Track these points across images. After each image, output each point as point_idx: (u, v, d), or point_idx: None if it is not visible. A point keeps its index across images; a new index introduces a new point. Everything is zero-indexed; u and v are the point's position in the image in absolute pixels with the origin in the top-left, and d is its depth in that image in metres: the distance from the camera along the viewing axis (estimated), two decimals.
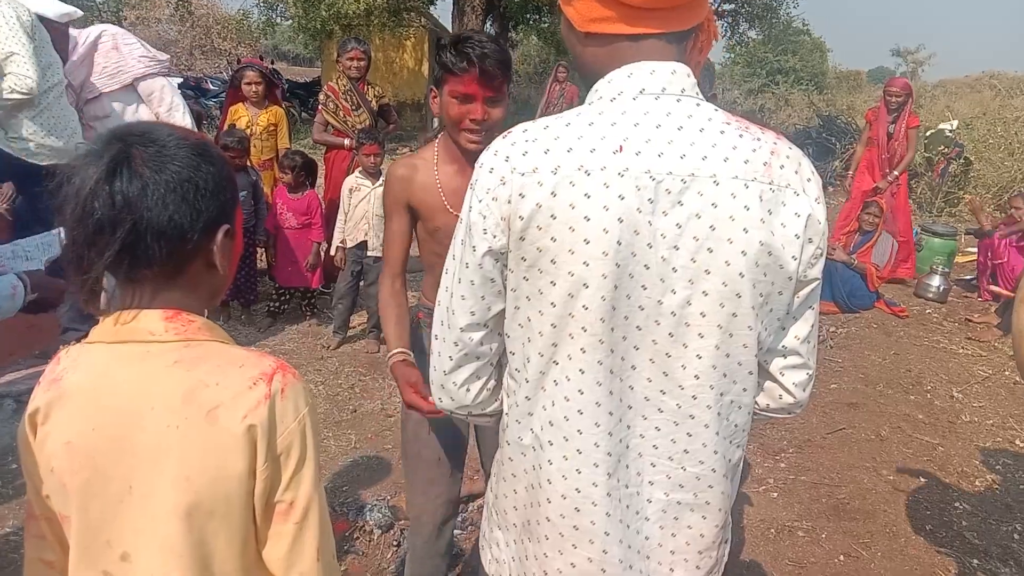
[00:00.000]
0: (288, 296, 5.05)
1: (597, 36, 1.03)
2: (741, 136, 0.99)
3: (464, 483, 2.16)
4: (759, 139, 1.00)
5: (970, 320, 5.72)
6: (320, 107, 5.19)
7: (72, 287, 0.94)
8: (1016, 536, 3.05)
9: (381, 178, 4.47)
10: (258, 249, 5.13)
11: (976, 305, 6.14)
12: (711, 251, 0.97)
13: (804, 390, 1.15)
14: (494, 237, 1.01)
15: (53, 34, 3.55)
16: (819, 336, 1.15)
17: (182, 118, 3.97)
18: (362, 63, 5.05)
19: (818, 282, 1.07)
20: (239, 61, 10.24)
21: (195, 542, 0.92)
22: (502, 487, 1.20)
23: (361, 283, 4.69)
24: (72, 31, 3.72)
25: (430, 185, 1.82)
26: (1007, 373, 4.77)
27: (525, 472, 1.12)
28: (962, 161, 10.00)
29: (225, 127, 5.17)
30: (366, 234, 4.53)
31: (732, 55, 27.37)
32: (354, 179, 4.57)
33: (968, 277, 6.74)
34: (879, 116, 6.57)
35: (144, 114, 3.90)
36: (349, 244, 4.58)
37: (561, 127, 1.00)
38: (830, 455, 3.64)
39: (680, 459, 1.08)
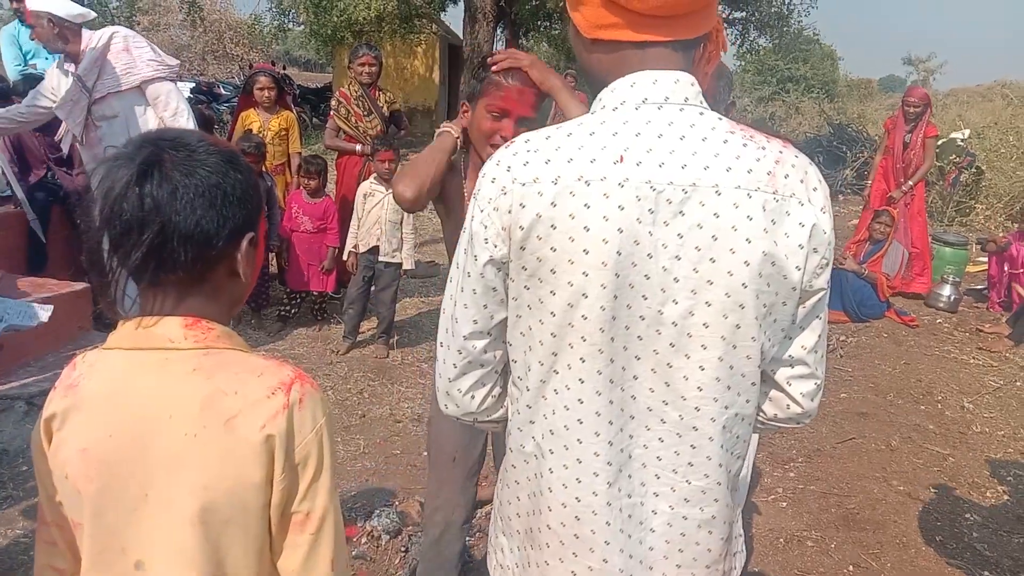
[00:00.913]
0: (299, 300, 5.07)
1: (603, 43, 1.03)
2: (745, 145, 0.98)
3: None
4: (764, 148, 0.99)
5: (981, 330, 5.68)
6: (332, 113, 5.22)
7: (94, 290, 0.95)
8: None
9: None
10: (270, 254, 5.15)
11: (987, 315, 6.11)
12: (713, 261, 0.97)
13: (812, 400, 1.13)
14: (495, 247, 1.01)
15: (66, 34, 3.60)
16: (829, 345, 1.15)
17: (186, 124, 3.99)
18: (374, 69, 5.08)
19: (824, 292, 1.06)
20: (251, 66, 10.28)
21: (211, 551, 0.93)
22: (506, 493, 1.20)
23: (372, 288, 4.71)
24: (85, 32, 3.75)
25: (459, 192, 1.91)
26: (1018, 384, 4.74)
27: (527, 480, 1.13)
28: (974, 170, 9.95)
29: (235, 132, 5.19)
30: (378, 239, 4.55)
31: (743, 63, 27.35)
32: (368, 184, 4.60)
33: (979, 287, 6.69)
34: (896, 125, 6.55)
35: (151, 117, 3.91)
36: (362, 249, 4.60)
37: (562, 137, 1.00)
38: (840, 465, 3.62)
39: (685, 472, 1.07)
